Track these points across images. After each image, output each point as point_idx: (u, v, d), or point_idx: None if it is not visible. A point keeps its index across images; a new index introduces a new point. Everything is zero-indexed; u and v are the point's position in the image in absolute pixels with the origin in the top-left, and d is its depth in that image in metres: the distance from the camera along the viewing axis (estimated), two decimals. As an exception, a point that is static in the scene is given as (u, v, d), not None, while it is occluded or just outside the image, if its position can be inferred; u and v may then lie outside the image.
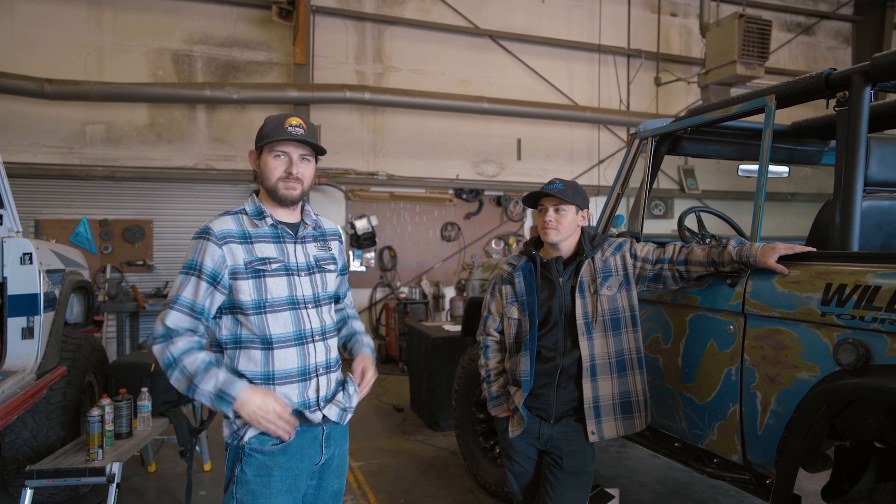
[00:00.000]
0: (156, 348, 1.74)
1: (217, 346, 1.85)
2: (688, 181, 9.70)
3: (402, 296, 8.28)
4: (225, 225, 1.83)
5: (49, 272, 3.60)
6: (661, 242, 2.49)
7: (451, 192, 8.89)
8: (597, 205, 8.05)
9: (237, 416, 1.75)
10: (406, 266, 8.69)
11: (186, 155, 7.74)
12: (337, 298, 2.06)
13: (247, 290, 1.79)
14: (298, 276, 1.87)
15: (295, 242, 1.90)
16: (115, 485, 2.93)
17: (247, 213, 1.87)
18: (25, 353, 3.37)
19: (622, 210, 3.10)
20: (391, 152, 8.59)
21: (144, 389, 3.55)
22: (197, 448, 3.96)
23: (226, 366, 1.83)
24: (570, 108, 9.01)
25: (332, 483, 1.97)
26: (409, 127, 8.64)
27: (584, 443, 2.38)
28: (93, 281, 5.70)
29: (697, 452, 2.56)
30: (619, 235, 2.89)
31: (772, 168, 3.03)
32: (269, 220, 1.86)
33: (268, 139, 1.82)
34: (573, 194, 2.36)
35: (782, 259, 2.09)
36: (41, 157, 7.18)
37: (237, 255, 1.80)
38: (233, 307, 1.82)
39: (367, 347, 2.10)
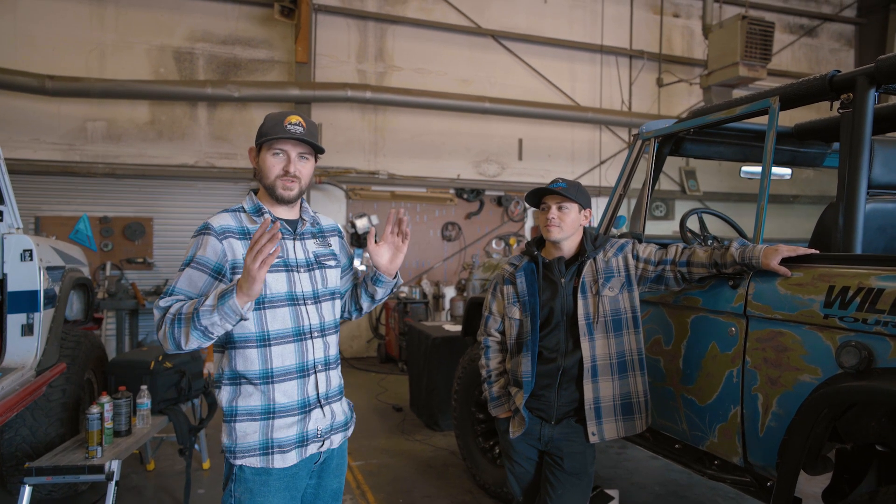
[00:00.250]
0: (160, 333, 1.68)
1: (219, 347, 1.84)
2: (689, 182, 9.69)
3: (402, 295, 8.27)
4: (224, 221, 1.83)
5: (49, 269, 3.59)
6: (663, 244, 2.49)
7: (451, 191, 8.89)
8: (598, 205, 8.05)
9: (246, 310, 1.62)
10: (406, 265, 8.67)
11: (187, 152, 7.73)
12: (339, 295, 2.04)
13: None
14: (297, 272, 1.86)
15: (294, 239, 1.90)
16: (113, 482, 2.93)
17: (245, 211, 1.88)
18: (25, 349, 3.36)
19: (624, 211, 3.10)
20: (392, 151, 8.59)
21: (144, 387, 3.54)
22: (196, 446, 3.95)
23: (223, 366, 1.83)
24: (571, 108, 9.00)
25: (331, 482, 1.97)
26: (411, 126, 8.63)
27: (585, 444, 2.37)
28: (93, 278, 5.69)
29: (698, 454, 2.55)
30: (621, 236, 2.88)
31: (774, 170, 3.03)
32: (268, 217, 1.85)
33: (267, 137, 1.82)
34: (576, 193, 2.36)
35: (785, 261, 2.08)
36: (42, 153, 7.17)
37: (237, 250, 1.80)
38: None
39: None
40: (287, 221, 1.90)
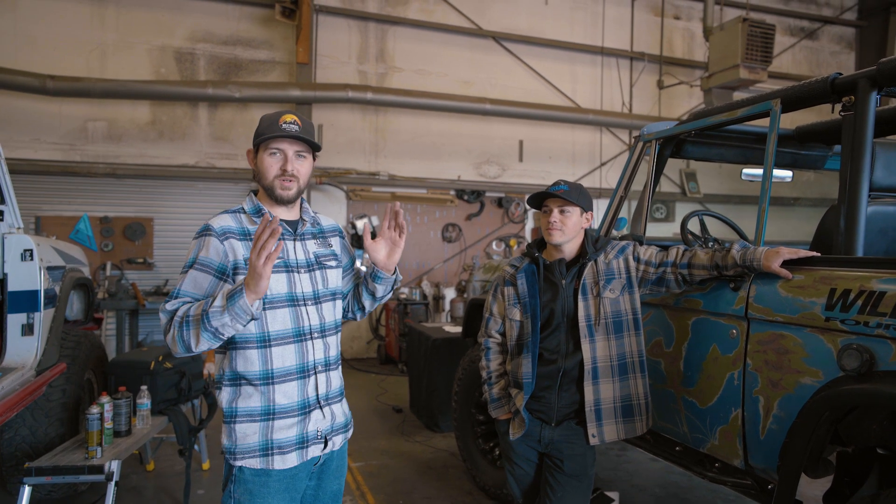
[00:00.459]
0: (168, 337, 1.69)
1: (220, 349, 1.84)
2: (690, 185, 9.69)
3: (403, 296, 8.26)
4: (224, 222, 1.83)
5: (49, 269, 3.59)
6: (663, 246, 2.49)
7: (452, 192, 8.89)
8: (599, 207, 8.05)
9: (255, 306, 1.64)
10: (406, 266, 8.67)
11: (188, 153, 7.73)
12: (340, 295, 2.04)
13: None
14: (298, 272, 1.86)
15: (294, 239, 1.89)
16: (113, 483, 2.93)
17: (245, 212, 1.88)
18: (25, 349, 3.36)
19: (624, 213, 3.10)
20: (393, 152, 8.59)
21: (144, 387, 3.54)
22: (196, 447, 3.95)
23: (224, 367, 1.83)
24: (572, 110, 9.01)
25: (330, 483, 1.97)
26: (411, 127, 8.63)
27: (585, 446, 2.37)
28: (93, 278, 5.69)
29: (699, 456, 2.55)
30: (622, 238, 2.88)
31: (775, 172, 3.03)
32: (267, 215, 1.85)
33: (263, 136, 1.82)
34: (578, 196, 2.36)
35: (786, 263, 2.08)
36: (42, 153, 7.17)
37: (238, 250, 1.80)
38: None
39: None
40: (287, 222, 1.89)
